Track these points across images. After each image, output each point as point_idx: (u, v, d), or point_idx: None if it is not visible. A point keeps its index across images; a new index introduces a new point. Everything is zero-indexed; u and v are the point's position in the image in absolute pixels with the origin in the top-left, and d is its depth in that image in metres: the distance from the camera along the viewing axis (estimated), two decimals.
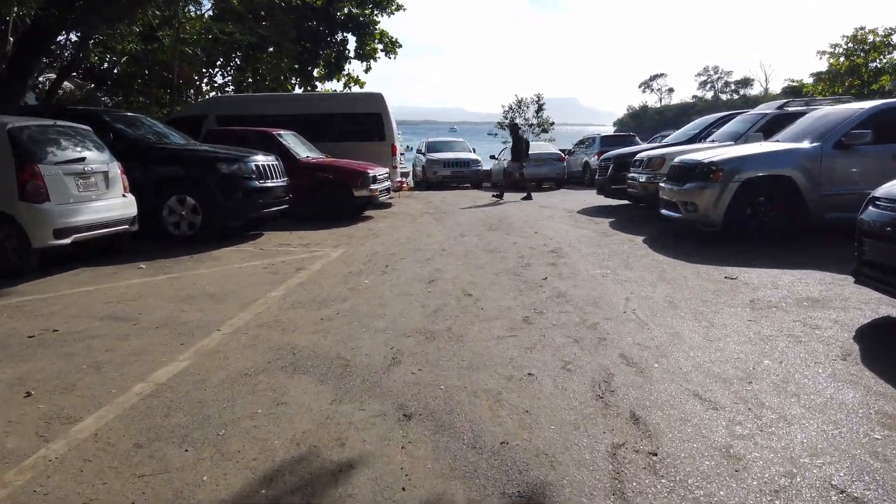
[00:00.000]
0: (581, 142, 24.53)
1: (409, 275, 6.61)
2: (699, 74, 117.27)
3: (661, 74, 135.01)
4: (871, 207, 4.51)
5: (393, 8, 26.68)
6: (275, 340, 4.40)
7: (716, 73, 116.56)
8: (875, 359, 3.82)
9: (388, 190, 12.43)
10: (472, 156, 22.62)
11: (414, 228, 10.48)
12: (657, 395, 3.32)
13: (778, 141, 8.72)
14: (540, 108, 30.22)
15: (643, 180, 10.75)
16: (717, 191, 7.97)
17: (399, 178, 14.93)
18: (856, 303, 5.07)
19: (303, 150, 11.96)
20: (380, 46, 27.66)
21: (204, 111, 14.37)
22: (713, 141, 10.99)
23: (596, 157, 20.80)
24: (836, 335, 4.27)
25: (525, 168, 16.83)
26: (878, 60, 27.73)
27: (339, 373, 3.77)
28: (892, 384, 3.40)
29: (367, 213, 12.69)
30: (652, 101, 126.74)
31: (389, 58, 28.10)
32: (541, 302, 5.35)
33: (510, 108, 30.47)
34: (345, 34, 26.92)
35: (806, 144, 8.02)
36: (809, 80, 35.15)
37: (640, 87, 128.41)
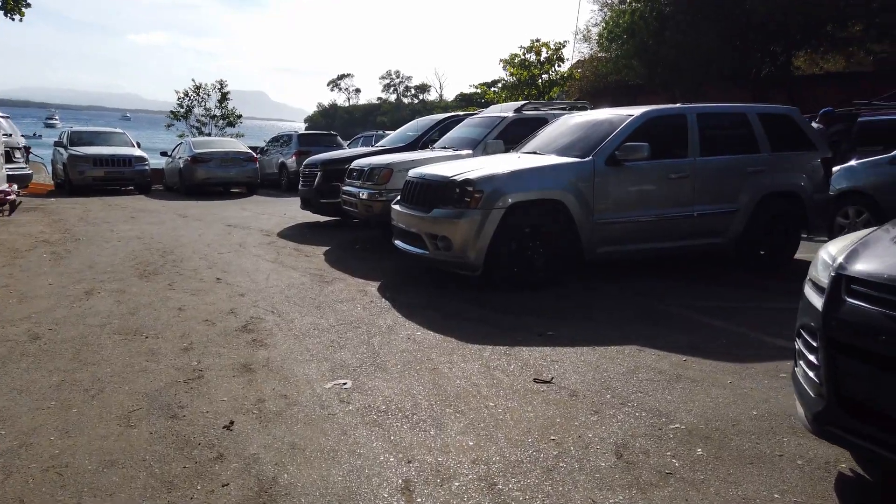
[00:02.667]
0: (276, 139, 21.20)
1: None
2: (383, 77, 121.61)
3: (349, 75, 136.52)
4: (849, 299, 2.43)
5: None
6: None
7: (398, 77, 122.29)
8: None
9: None
10: (136, 151, 17.70)
11: None
12: None
13: (536, 153, 6.86)
14: (224, 98, 25.89)
15: (365, 197, 8.16)
16: (477, 220, 5.73)
17: (4, 187, 9.93)
18: (766, 443, 3.07)
19: None
20: None
21: None
22: (445, 147, 8.90)
23: (294, 157, 17.89)
24: None
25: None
26: (549, 72, 29.89)
27: None
28: None
29: None
30: (341, 99, 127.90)
31: (11, 18, 21.10)
32: None
33: (186, 94, 25.47)
34: None
35: (574, 159, 6.24)
36: (477, 90, 37.02)
37: (328, 85, 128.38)
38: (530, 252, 5.96)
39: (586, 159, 6.16)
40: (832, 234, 7.89)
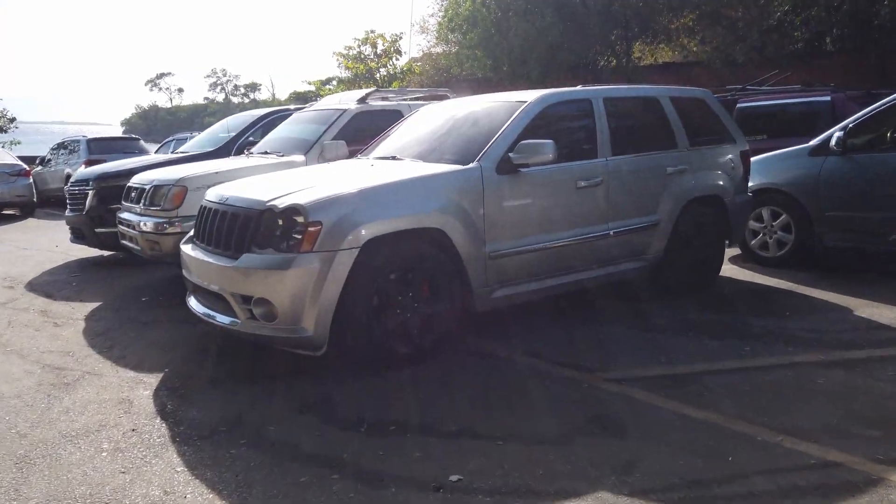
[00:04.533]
0: (61, 146, 17.11)
1: None
2: (209, 76, 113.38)
3: (169, 73, 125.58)
4: None
5: None
6: None
7: (224, 75, 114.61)
8: None
9: None
10: None
11: None
12: None
13: (395, 158, 4.80)
14: None
15: (148, 228, 5.62)
16: (315, 269, 3.56)
17: None
18: None
19: None
20: None
21: None
22: (267, 153, 6.54)
23: (83, 167, 14.38)
24: None
25: None
26: (388, 66, 28.00)
27: None
28: None
29: None
30: (162, 100, 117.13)
31: None
32: None
33: None
34: None
35: (454, 167, 4.27)
36: (312, 87, 34.31)
37: (146, 84, 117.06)
38: (400, 310, 3.90)
39: (470, 166, 4.21)
40: (746, 241, 6.65)
